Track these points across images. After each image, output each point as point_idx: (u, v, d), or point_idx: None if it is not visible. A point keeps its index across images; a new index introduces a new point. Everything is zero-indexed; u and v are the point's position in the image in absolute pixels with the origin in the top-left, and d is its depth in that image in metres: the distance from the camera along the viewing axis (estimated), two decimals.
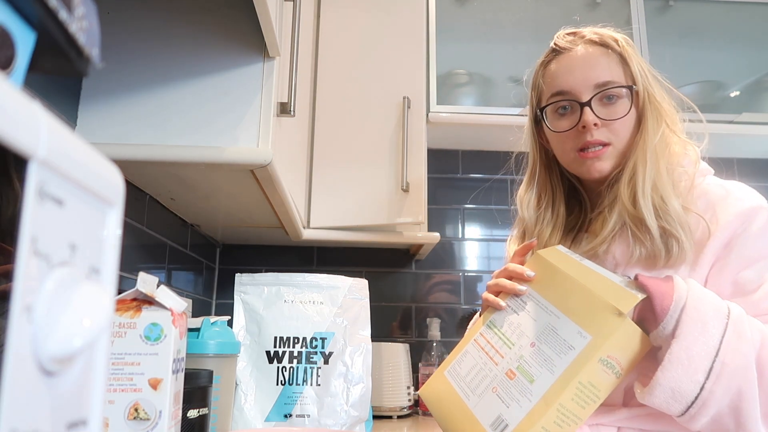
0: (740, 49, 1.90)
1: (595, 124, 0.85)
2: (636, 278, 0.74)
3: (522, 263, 0.86)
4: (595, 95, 0.85)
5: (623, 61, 0.87)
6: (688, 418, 0.68)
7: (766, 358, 0.67)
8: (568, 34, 0.92)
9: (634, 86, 0.86)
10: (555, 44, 0.92)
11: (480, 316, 0.89)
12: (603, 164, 0.86)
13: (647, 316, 0.73)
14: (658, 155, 0.82)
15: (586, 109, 0.85)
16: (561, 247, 0.85)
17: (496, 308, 0.83)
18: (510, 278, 0.84)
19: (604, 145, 0.85)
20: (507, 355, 0.76)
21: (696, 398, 0.66)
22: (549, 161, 0.97)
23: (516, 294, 0.82)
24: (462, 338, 0.88)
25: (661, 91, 0.88)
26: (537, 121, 0.95)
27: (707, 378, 0.66)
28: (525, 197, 0.98)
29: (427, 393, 0.87)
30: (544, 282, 0.80)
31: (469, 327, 0.94)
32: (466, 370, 0.80)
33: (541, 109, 0.92)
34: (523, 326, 0.77)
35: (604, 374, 0.69)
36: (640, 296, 0.71)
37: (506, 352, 0.77)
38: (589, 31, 0.91)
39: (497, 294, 0.86)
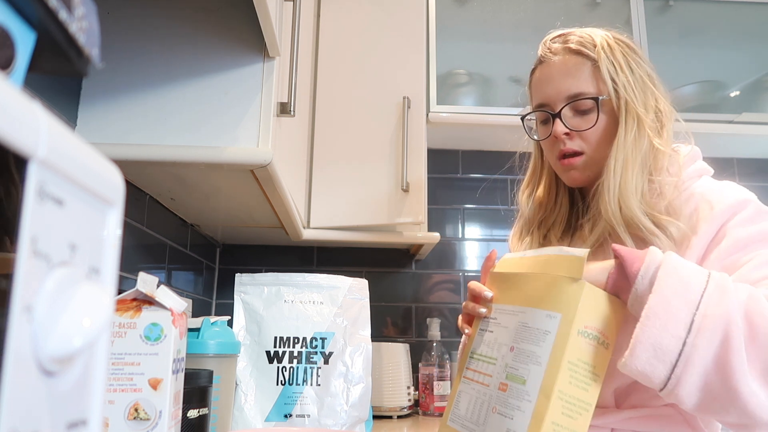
0: (740, 49, 1.90)
1: (567, 134, 0.87)
2: (612, 249, 0.73)
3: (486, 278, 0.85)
4: (564, 106, 0.87)
5: (596, 68, 0.86)
6: (674, 381, 0.63)
7: (754, 309, 0.63)
8: (553, 39, 0.93)
9: (601, 97, 0.86)
10: (539, 53, 0.94)
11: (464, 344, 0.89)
12: (577, 173, 0.89)
13: (622, 285, 0.70)
14: (629, 163, 0.82)
15: (557, 120, 0.88)
16: (509, 255, 0.86)
17: (466, 335, 0.83)
18: (473, 298, 0.84)
19: (577, 154, 0.88)
20: (494, 372, 0.74)
21: (679, 355, 0.62)
22: None
23: (479, 316, 0.81)
24: (454, 380, 0.86)
25: (647, 98, 0.86)
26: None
27: (689, 333, 0.62)
28: (526, 191, 1.00)
29: None
30: (503, 292, 0.80)
31: (458, 358, 0.93)
32: (465, 408, 0.78)
33: (522, 118, 0.96)
34: (500, 338, 0.76)
35: (590, 347, 0.67)
36: (582, 252, 0.69)
37: (492, 369, 0.75)
38: (574, 37, 0.90)
39: (470, 321, 0.85)
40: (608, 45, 0.88)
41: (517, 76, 1.82)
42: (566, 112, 0.87)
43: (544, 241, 0.94)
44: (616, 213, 0.80)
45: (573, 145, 0.87)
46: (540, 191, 0.97)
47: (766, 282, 0.69)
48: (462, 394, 0.79)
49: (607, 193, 0.82)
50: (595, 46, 0.87)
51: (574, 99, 0.87)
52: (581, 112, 0.87)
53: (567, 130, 0.87)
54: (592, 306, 0.68)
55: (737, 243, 0.75)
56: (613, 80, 0.85)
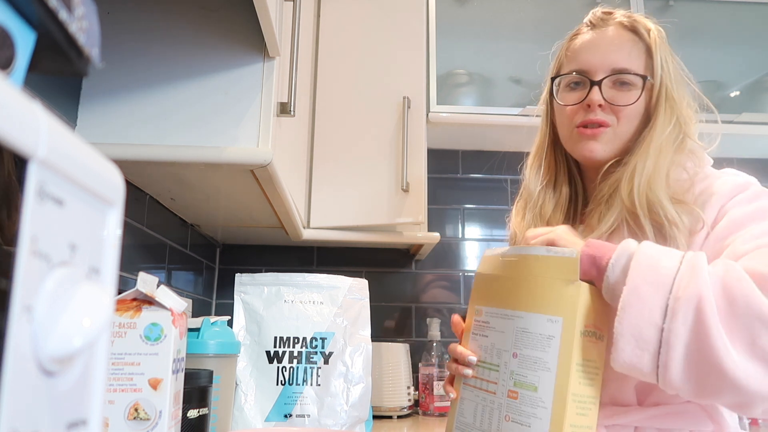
0: (740, 49, 1.90)
1: (600, 105, 0.86)
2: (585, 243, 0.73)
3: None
4: (607, 77, 0.86)
5: (648, 52, 0.87)
6: (663, 369, 0.63)
7: (730, 282, 0.63)
8: (603, 12, 0.93)
9: (649, 78, 0.86)
10: (589, 20, 0.93)
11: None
12: (597, 146, 0.86)
13: (592, 274, 0.71)
14: (662, 152, 0.82)
15: (595, 88, 0.86)
16: (490, 252, 0.83)
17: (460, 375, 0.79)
18: (455, 360, 0.80)
19: (603, 125, 0.86)
20: (499, 380, 0.74)
21: (660, 342, 0.62)
22: (556, 137, 0.96)
23: (464, 377, 0.78)
24: (454, 392, 0.82)
25: (682, 92, 0.88)
26: (552, 94, 0.95)
27: (664, 318, 0.62)
28: (534, 164, 0.98)
29: None
30: (493, 294, 0.78)
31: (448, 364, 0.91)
32: (471, 415, 0.77)
33: (553, 79, 0.93)
34: (497, 344, 0.75)
35: (591, 343, 0.68)
36: (572, 253, 0.69)
37: (496, 376, 0.74)
38: (625, 15, 0.91)
39: (452, 380, 0.82)
40: (659, 33, 0.89)
41: (517, 76, 1.82)
42: (606, 83, 0.86)
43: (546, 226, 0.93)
44: (642, 195, 0.80)
45: (603, 116, 0.86)
46: (544, 171, 0.96)
47: (751, 254, 0.68)
48: (465, 401, 0.78)
49: (639, 174, 0.81)
50: (649, 31, 0.88)
51: (620, 72, 0.86)
52: (619, 88, 0.86)
53: (603, 102, 0.85)
54: (589, 304, 0.69)
55: (734, 222, 0.75)
56: (662, 68, 0.86)
